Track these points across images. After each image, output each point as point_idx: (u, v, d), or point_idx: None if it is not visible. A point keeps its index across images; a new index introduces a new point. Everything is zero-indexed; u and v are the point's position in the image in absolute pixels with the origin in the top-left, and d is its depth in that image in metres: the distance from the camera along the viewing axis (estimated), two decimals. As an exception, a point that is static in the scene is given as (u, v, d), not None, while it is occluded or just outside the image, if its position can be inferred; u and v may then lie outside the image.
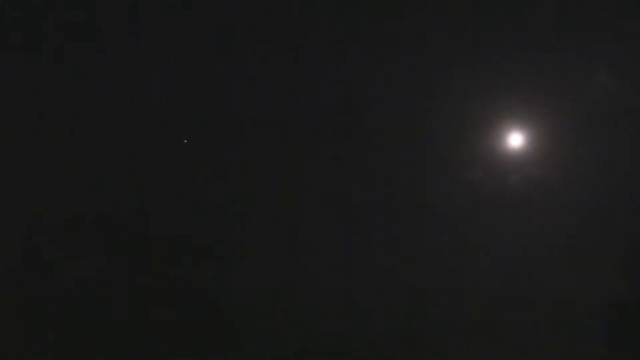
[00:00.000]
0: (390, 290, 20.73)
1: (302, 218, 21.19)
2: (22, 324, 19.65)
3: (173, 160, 21.22)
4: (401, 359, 20.35)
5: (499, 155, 21.24)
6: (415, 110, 21.28)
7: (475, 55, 21.03)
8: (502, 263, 20.72)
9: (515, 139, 21.15)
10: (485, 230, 20.98)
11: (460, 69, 20.99)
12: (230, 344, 20.30)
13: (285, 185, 21.32)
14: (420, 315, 20.50)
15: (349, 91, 21.50)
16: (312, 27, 21.34)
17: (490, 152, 21.22)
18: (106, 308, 20.07)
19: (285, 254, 20.90)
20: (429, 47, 21.19)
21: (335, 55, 21.46)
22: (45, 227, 20.19)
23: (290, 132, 21.47)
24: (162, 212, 20.79)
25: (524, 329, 20.27)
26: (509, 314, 20.42)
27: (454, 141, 21.09)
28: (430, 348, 20.26)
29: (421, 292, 20.56)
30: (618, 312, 20.10)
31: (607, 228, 20.48)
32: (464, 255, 20.83)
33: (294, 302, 20.49)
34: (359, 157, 21.50)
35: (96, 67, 21.28)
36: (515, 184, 21.07)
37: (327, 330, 20.40)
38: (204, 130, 21.52)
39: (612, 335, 19.98)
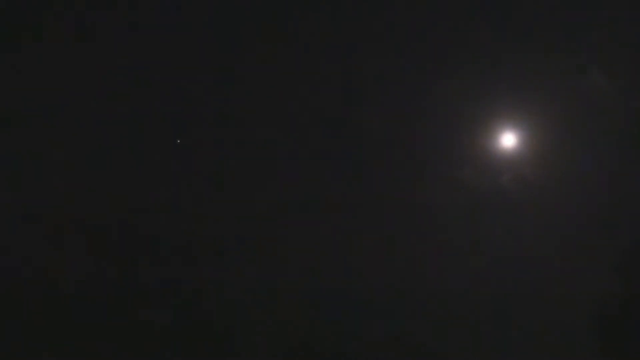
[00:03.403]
0: (386, 289, 20.80)
1: (297, 218, 21.27)
2: (18, 325, 19.68)
3: (168, 160, 21.35)
4: (397, 358, 20.45)
5: (493, 155, 21.33)
6: (408, 110, 21.39)
7: (469, 56, 21.12)
8: (496, 262, 20.79)
9: (508, 139, 21.26)
10: (479, 229, 21.07)
11: (453, 70, 21.09)
12: (226, 344, 20.38)
13: (281, 186, 21.42)
14: (415, 314, 20.58)
15: (343, 91, 21.60)
16: (308, 28, 21.43)
17: (484, 152, 21.31)
18: (102, 308, 20.12)
19: (282, 254, 20.97)
20: (423, 48, 21.29)
21: (330, 55, 21.55)
22: (42, 228, 20.22)
23: (285, 132, 21.58)
24: (157, 213, 20.85)
25: (518, 328, 20.35)
26: (504, 312, 20.51)
27: (447, 141, 21.21)
28: (422, 347, 20.37)
29: (415, 291, 20.63)
30: (612, 310, 20.17)
31: (600, 227, 20.56)
32: (458, 254, 20.93)
33: (291, 303, 20.56)
34: (354, 157, 21.61)
35: (92, 68, 21.35)
36: (509, 184, 21.16)
37: (325, 330, 20.49)
38: (200, 130, 21.63)
39: (605, 334, 20.06)
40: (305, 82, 21.52)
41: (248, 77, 21.66)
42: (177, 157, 21.38)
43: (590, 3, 20.80)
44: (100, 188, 20.76)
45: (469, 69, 20.99)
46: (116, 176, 20.92)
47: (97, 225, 20.56)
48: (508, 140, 21.23)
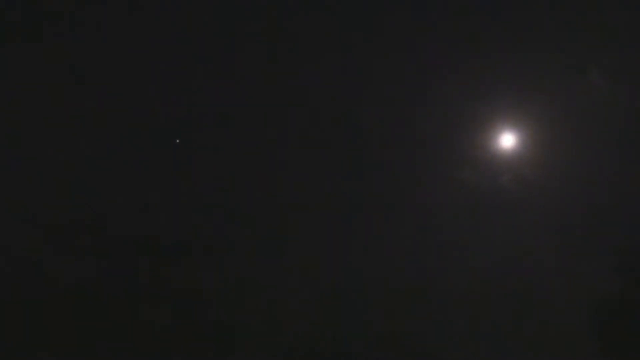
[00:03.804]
0: (386, 288, 20.81)
1: (296, 218, 21.29)
2: (18, 324, 19.67)
3: (166, 160, 21.37)
4: (397, 358, 20.46)
5: (493, 155, 21.36)
6: (408, 110, 21.43)
7: (469, 56, 21.17)
8: (496, 262, 20.80)
9: (508, 139, 21.30)
10: (479, 229, 21.10)
11: (453, 70, 21.14)
12: (224, 344, 20.37)
13: (280, 186, 21.42)
14: (416, 313, 20.58)
15: (343, 92, 21.65)
16: (308, 28, 21.47)
17: (484, 152, 21.34)
18: (101, 308, 20.11)
19: (282, 254, 20.97)
20: (423, 48, 21.35)
21: (330, 55, 21.59)
22: (41, 229, 20.19)
23: (284, 133, 21.62)
24: (157, 213, 20.85)
25: (518, 328, 20.36)
26: (504, 312, 20.52)
27: (447, 141, 21.26)
28: (420, 347, 20.38)
29: (415, 291, 20.64)
30: (612, 310, 20.19)
31: (600, 227, 20.60)
32: (458, 254, 20.95)
33: (291, 303, 20.58)
34: (354, 157, 21.64)
35: (90, 70, 21.38)
36: (509, 184, 21.19)
37: (325, 330, 20.49)
38: (199, 130, 21.66)
39: (605, 334, 20.07)
40: (306, 82, 21.55)
41: (248, 77, 21.69)
42: (177, 157, 21.43)
43: (590, 3, 20.85)
44: (100, 188, 20.76)
45: (469, 69, 21.03)
46: (115, 176, 20.92)
47: (96, 225, 20.54)
48: (508, 140, 21.26)
